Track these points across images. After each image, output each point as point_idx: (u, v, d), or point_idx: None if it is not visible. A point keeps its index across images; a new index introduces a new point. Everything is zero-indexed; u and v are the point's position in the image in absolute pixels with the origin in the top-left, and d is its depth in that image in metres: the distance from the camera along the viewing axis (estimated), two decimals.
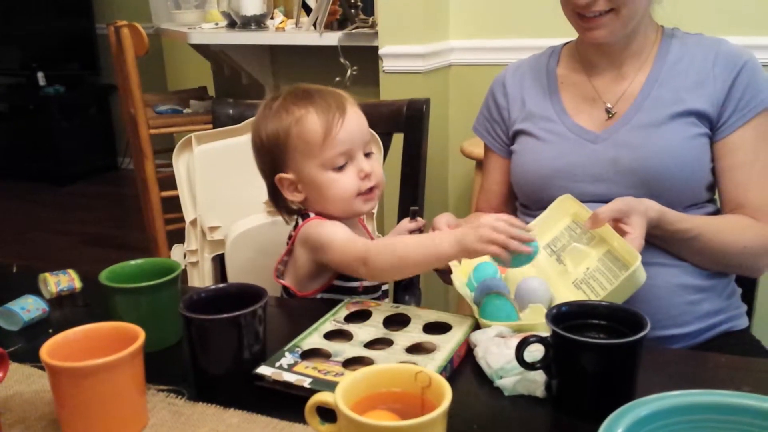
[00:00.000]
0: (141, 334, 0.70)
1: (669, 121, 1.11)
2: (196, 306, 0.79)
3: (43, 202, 4.49)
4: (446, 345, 0.82)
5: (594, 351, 0.67)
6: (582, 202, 1.06)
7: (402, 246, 0.94)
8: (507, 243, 0.85)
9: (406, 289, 1.25)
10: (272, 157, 1.05)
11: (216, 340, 0.77)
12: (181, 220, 2.70)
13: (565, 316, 0.72)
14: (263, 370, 0.78)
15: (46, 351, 0.68)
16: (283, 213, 1.11)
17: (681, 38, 1.18)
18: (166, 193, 2.66)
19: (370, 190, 1.04)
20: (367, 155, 1.05)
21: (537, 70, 1.27)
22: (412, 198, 1.41)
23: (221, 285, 0.85)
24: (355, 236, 1.01)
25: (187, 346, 0.79)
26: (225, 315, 0.75)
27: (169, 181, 2.86)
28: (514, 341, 0.73)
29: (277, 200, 1.09)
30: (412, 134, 1.39)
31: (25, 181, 4.83)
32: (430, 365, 0.78)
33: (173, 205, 2.84)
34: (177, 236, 2.81)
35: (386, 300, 1.17)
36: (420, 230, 1.17)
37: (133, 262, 0.93)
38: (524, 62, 1.31)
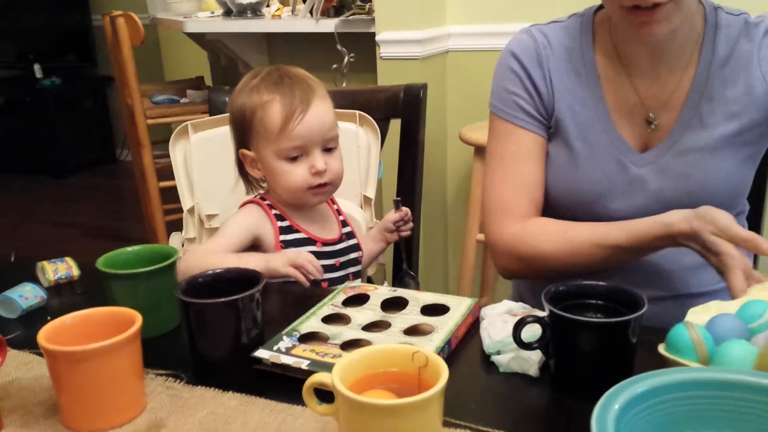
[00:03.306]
0: (138, 319, 0.70)
1: (722, 146, 0.99)
2: (194, 291, 0.79)
3: (40, 195, 4.48)
4: (444, 326, 0.83)
5: (591, 330, 0.67)
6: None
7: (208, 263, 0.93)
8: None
9: (405, 273, 1.25)
10: (238, 131, 1.09)
11: (214, 324, 0.77)
12: (180, 210, 2.69)
13: (562, 295, 0.72)
14: (261, 353, 0.78)
15: (43, 336, 0.68)
16: (247, 185, 1.15)
17: (726, 26, 1.00)
18: (164, 184, 2.65)
19: (322, 185, 1.06)
20: (329, 150, 1.07)
21: (569, 51, 1.05)
22: (409, 183, 1.40)
23: (218, 270, 0.85)
24: (228, 239, 1.05)
25: (185, 330, 0.79)
26: (222, 299, 0.75)
27: (167, 172, 2.86)
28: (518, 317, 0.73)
29: (242, 171, 1.13)
30: (410, 120, 1.39)
31: (22, 174, 4.82)
32: (428, 347, 0.78)
33: (172, 195, 2.84)
34: (176, 226, 2.80)
35: (384, 284, 1.17)
36: (404, 220, 1.18)
37: (130, 248, 0.93)
38: (550, 34, 1.06)
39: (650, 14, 0.89)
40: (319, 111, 1.05)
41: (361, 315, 0.88)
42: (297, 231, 1.08)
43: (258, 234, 1.07)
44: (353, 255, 1.14)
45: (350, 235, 1.16)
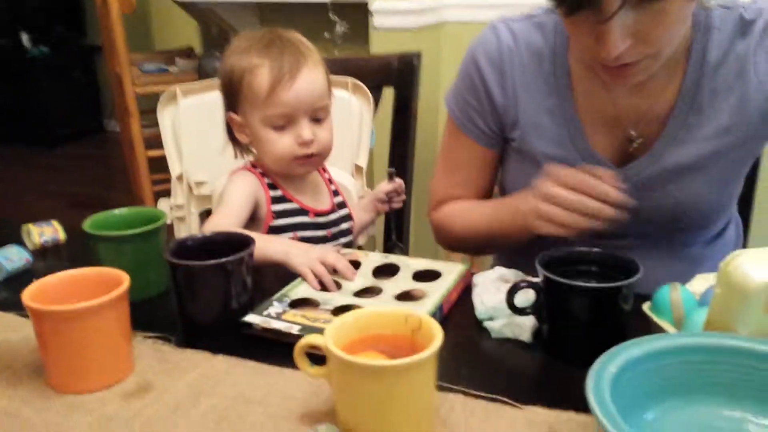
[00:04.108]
0: (126, 279, 0.69)
1: (710, 163, 0.89)
2: (183, 253, 0.77)
3: (29, 165, 4.44)
4: (436, 292, 0.82)
5: (585, 296, 0.66)
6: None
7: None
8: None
9: (394, 245, 1.24)
10: (227, 93, 1.06)
11: (203, 287, 0.75)
12: (168, 180, 2.66)
13: (556, 261, 0.71)
14: (251, 318, 0.77)
15: (28, 295, 0.66)
16: (236, 149, 1.12)
17: (719, 28, 0.87)
18: (152, 153, 2.62)
19: (308, 156, 1.03)
20: (318, 120, 1.04)
21: (539, 54, 0.95)
22: (402, 153, 1.39)
23: (208, 233, 0.83)
24: (236, 211, 1.01)
25: (173, 293, 0.78)
26: (211, 261, 0.74)
27: (155, 141, 2.82)
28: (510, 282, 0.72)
29: (230, 134, 1.10)
30: (403, 89, 1.37)
31: (11, 143, 4.76)
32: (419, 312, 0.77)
33: (160, 165, 2.81)
34: (164, 196, 2.78)
35: (376, 251, 1.16)
36: (397, 192, 1.16)
37: (117, 211, 0.91)
38: (519, 35, 0.96)
39: (623, 70, 0.79)
40: (309, 78, 1.01)
41: (352, 284, 0.87)
42: (289, 201, 1.06)
43: (256, 200, 1.05)
44: (344, 225, 1.13)
45: (342, 204, 1.14)
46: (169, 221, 1.32)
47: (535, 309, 0.70)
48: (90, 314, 0.65)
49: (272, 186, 1.07)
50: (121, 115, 2.78)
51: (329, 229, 1.09)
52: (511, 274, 0.81)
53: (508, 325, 0.72)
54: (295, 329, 0.74)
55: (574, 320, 0.68)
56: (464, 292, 0.85)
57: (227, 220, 0.99)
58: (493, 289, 0.76)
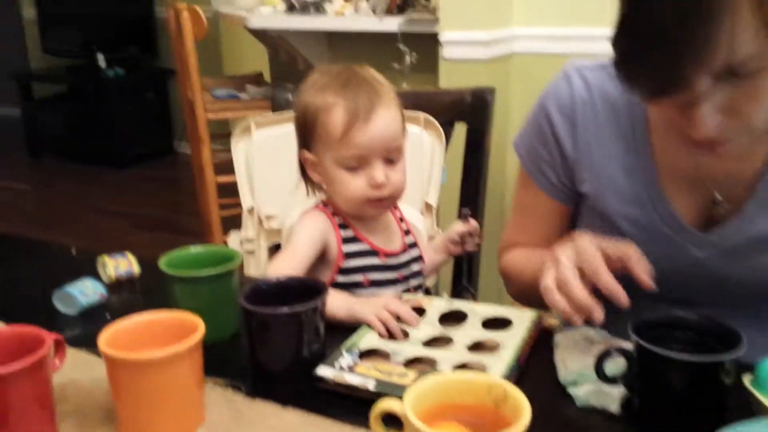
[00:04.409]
0: (200, 326, 0.68)
1: None
2: (257, 298, 0.77)
3: (100, 185, 4.57)
4: (510, 342, 0.79)
5: (683, 368, 0.62)
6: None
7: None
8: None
9: (464, 289, 1.21)
10: (301, 131, 1.05)
11: (276, 335, 0.74)
12: (237, 206, 2.70)
13: (649, 325, 0.67)
14: (324, 371, 0.75)
15: (104, 340, 0.66)
16: (308, 187, 1.10)
17: None
18: (221, 179, 2.66)
19: (381, 199, 1.01)
20: (391, 161, 1.01)
21: (615, 107, 0.90)
22: (473, 191, 1.36)
23: (282, 278, 0.82)
24: (302, 252, 0.99)
25: (245, 338, 0.77)
26: (286, 309, 0.73)
27: (224, 166, 2.87)
28: (599, 348, 0.68)
29: (303, 172, 1.08)
30: (476, 125, 1.34)
31: (83, 163, 4.92)
32: (497, 365, 0.74)
33: (229, 190, 2.85)
34: (232, 221, 2.81)
35: (444, 295, 1.12)
36: (471, 234, 1.13)
37: (192, 248, 0.91)
38: (593, 85, 0.91)
39: (713, 145, 0.73)
40: (384, 119, 0.99)
41: (419, 330, 0.85)
42: (360, 241, 1.04)
43: (326, 242, 1.03)
44: (415, 267, 1.10)
45: (413, 245, 1.11)
46: (240, 251, 1.34)
47: (626, 379, 0.65)
48: (165, 364, 0.64)
49: (343, 226, 1.05)
50: (193, 140, 2.83)
51: (400, 270, 1.07)
52: (597, 335, 0.77)
53: (595, 393, 0.68)
54: (370, 385, 0.72)
55: (669, 393, 0.63)
56: (539, 345, 0.81)
57: (292, 261, 0.98)
58: (577, 352, 0.72)
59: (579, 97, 0.92)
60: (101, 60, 4.95)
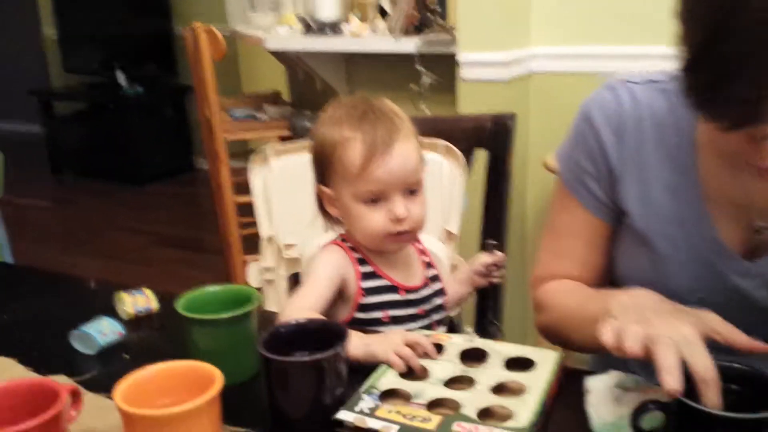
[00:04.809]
0: (218, 378, 0.66)
1: None
2: (275, 343, 0.75)
3: (120, 202, 4.61)
4: (535, 385, 0.76)
5: (729, 427, 0.59)
6: None
7: None
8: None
9: (489, 323, 1.18)
10: (318, 165, 1.03)
11: (297, 383, 0.73)
12: (255, 224, 2.68)
13: (687, 376, 0.64)
14: (344, 415, 0.73)
15: (120, 394, 0.64)
16: (326, 221, 1.08)
17: None
18: (240, 198, 2.66)
19: (401, 233, 0.99)
20: (411, 193, 1.00)
21: (663, 125, 0.87)
22: (495, 219, 1.33)
23: (301, 320, 0.81)
24: (320, 290, 0.97)
25: (264, 384, 0.75)
26: (306, 357, 0.71)
27: (243, 185, 2.87)
28: (633, 396, 0.65)
29: (321, 206, 1.07)
30: (497, 151, 1.32)
31: (103, 180, 4.96)
32: (524, 411, 0.72)
33: (248, 209, 2.85)
34: (251, 241, 2.82)
35: (468, 329, 1.10)
36: (497, 266, 1.11)
37: (210, 288, 0.90)
38: (641, 99, 0.89)
39: None
40: (402, 153, 0.97)
41: (439, 368, 0.83)
42: (380, 277, 1.02)
43: (344, 278, 1.01)
44: (438, 301, 1.07)
45: (435, 278, 1.09)
46: (258, 285, 1.33)
47: None
48: (183, 419, 0.62)
49: (362, 261, 1.03)
50: (211, 159, 2.84)
51: (421, 305, 1.05)
52: (630, 382, 0.74)
53: None
54: (393, 430, 0.70)
55: None
56: (566, 388, 0.79)
57: (310, 300, 0.96)
58: (610, 400, 0.70)
59: (626, 110, 0.89)
60: (121, 78, 5.00)
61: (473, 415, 0.72)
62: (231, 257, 2.80)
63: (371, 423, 0.71)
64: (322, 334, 0.78)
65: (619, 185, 0.91)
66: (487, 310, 1.29)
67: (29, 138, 5.97)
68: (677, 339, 0.65)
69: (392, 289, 1.03)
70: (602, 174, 0.92)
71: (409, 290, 1.04)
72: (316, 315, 0.92)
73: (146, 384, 0.68)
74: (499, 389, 0.78)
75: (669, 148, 0.87)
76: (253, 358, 0.85)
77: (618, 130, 0.90)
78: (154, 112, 5.02)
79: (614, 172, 0.91)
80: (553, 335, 1.00)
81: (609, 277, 0.98)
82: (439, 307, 1.08)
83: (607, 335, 0.69)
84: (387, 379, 0.81)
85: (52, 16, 5.38)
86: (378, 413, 0.73)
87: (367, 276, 1.02)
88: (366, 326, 0.99)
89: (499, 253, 1.11)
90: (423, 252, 1.11)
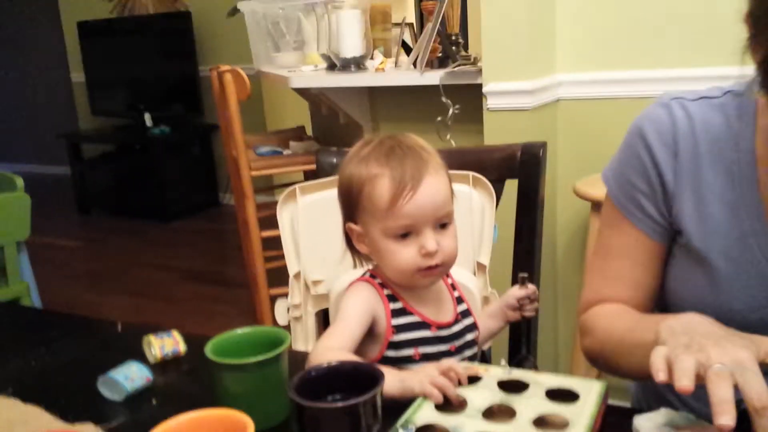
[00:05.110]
0: (250, 427, 0.63)
1: None
2: (307, 387, 0.72)
3: (148, 239, 4.65)
4: (579, 419, 0.73)
5: None
6: None
7: None
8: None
9: (524, 358, 1.14)
10: (345, 203, 1.01)
11: (331, 430, 0.69)
12: (281, 258, 2.69)
13: (744, 413, 0.60)
14: None
15: None
16: (355, 258, 1.07)
17: None
18: (266, 234, 2.65)
19: (432, 267, 0.96)
20: (443, 226, 0.97)
21: (719, 141, 0.86)
22: (526, 250, 1.30)
23: (333, 363, 0.78)
24: (351, 329, 0.94)
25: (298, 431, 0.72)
26: (341, 403, 0.68)
27: (267, 221, 2.88)
28: None
29: (349, 243, 1.04)
30: (528, 181, 1.29)
31: (132, 217, 5.03)
32: None
33: (273, 243, 2.86)
34: (276, 274, 2.81)
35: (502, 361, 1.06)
36: (530, 299, 1.07)
37: (240, 331, 0.88)
38: (695, 116, 0.87)
39: None
40: (432, 187, 0.95)
41: (477, 396, 0.79)
42: (410, 313, 0.99)
43: (374, 315, 0.99)
44: (469, 336, 1.04)
45: (466, 313, 1.06)
46: (285, 322, 1.30)
47: None
48: None
49: (392, 297, 1.00)
50: (237, 197, 2.85)
51: (453, 342, 1.01)
52: (682, 419, 0.70)
53: None
54: None
55: None
56: (613, 427, 0.75)
57: (341, 339, 0.93)
58: None
59: (680, 127, 0.88)
60: (148, 119, 5.09)
61: None
62: (257, 292, 2.79)
63: None
64: (355, 375, 0.75)
65: (674, 203, 0.89)
66: (521, 344, 1.25)
67: (58, 179, 6.08)
68: (731, 365, 0.62)
69: (423, 325, 1.00)
70: (656, 192, 0.90)
71: (440, 326, 1.01)
72: (348, 355, 0.89)
73: None
74: (541, 422, 0.74)
75: (727, 164, 0.85)
76: (284, 401, 0.82)
77: (672, 147, 0.88)
78: (180, 150, 5.09)
79: (669, 190, 0.88)
80: (599, 360, 0.96)
81: (659, 301, 0.95)
82: (471, 343, 1.04)
83: (657, 367, 0.66)
84: (423, 412, 0.78)
85: (79, 61, 5.51)
86: None
87: (397, 313, 0.99)
88: (396, 364, 0.96)
89: (531, 286, 1.08)
90: (453, 286, 1.08)
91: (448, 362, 0.84)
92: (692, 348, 0.66)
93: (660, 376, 0.65)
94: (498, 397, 0.79)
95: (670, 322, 0.74)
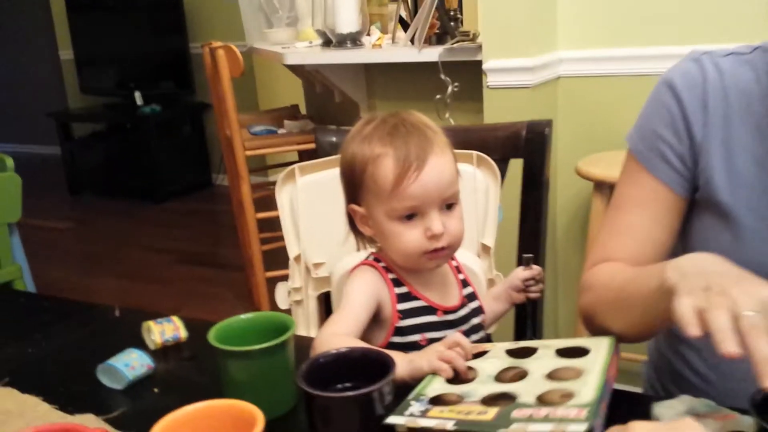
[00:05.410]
0: (260, 419, 0.61)
1: None
2: (315, 375, 0.70)
3: (139, 219, 4.60)
4: (593, 367, 0.71)
5: None
6: None
7: None
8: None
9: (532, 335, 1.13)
10: (348, 183, 0.98)
11: (342, 419, 0.67)
12: (277, 239, 2.65)
13: None
14: (394, 419, 0.68)
15: None
16: (358, 240, 1.03)
17: None
18: (261, 215, 2.62)
19: (439, 249, 0.93)
20: (449, 207, 0.94)
21: (749, 95, 0.86)
22: (532, 231, 1.27)
23: (342, 350, 0.75)
24: (356, 314, 0.92)
25: (306, 420, 0.70)
26: (352, 393, 0.66)
27: (262, 202, 2.85)
28: (707, 423, 0.60)
29: (352, 225, 1.01)
30: (533, 160, 1.27)
31: (122, 198, 4.97)
32: (585, 389, 0.66)
33: (268, 225, 2.83)
34: (272, 256, 2.79)
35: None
36: (536, 280, 1.05)
37: (243, 316, 0.85)
38: (726, 71, 0.88)
39: None
40: (437, 167, 0.92)
41: (487, 364, 0.78)
42: (416, 298, 0.97)
43: (380, 300, 0.96)
44: (475, 320, 1.02)
45: (472, 296, 1.03)
46: (286, 306, 1.28)
47: None
48: None
49: (397, 282, 0.98)
50: (231, 177, 2.81)
51: (459, 327, 0.99)
52: (702, 406, 0.68)
53: None
54: (449, 425, 0.65)
55: None
56: (631, 416, 0.72)
57: (346, 325, 0.90)
58: None
59: (710, 81, 0.87)
60: (138, 97, 5.01)
61: (532, 402, 0.67)
62: (254, 275, 2.76)
63: (424, 422, 0.67)
64: (364, 362, 0.73)
65: (700, 156, 0.88)
66: (526, 327, 1.23)
67: (48, 159, 6.01)
68: (761, 309, 0.59)
69: (429, 310, 0.97)
70: (682, 142, 0.89)
71: (446, 311, 0.98)
72: (356, 341, 0.87)
73: (182, 426, 0.63)
74: (554, 376, 0.73)
75: (756, 118, 0.84)
76: (290, 390, 0.80)
77: (702, 99, 0.87)
78: (171, 129, 5.03)
79: (696, 142, 0.88)
80: (595, 318, 0.92)
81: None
82: (478, 327, 1.02)
83: (688, 320, 0.61)
84: (434, 386, 0.76)
85: (68, 38, 5.41)
86: (430, 414, 0.69)
87: (402, 297, 0.96)
88: (403, 351, 0.94)
89: (536, 267, 1.06)
90: (458, 269, 1.06)
91: (454, 337, 0.83)
92: (712, 291, 0.62)
93: (693, 330, 0.61)
94: (508, 362, 0.78)
95: (678, 263, 0.71)
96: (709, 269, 0.68)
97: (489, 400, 0.70)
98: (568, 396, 0.66)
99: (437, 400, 0.73)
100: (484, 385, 0.74)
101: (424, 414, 0.68)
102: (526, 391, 0.70)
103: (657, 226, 0.92)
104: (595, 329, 0.92)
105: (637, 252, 0.92)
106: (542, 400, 0.67)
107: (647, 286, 0.74)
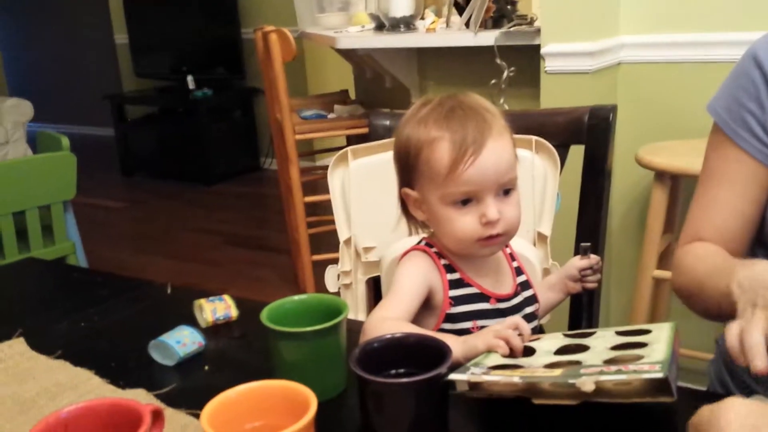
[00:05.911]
0: (313, 401, 0.59)
1: None
2: (369, 359, 0.68)
3: (189, 202, 4.67)
4: (657, 339, 0.70)
5: None
6: None
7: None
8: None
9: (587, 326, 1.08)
10: (402, 167, 0.95)
11: (396, 406, 0.65)
12: (324, 223, 2.64)
13: None
14: (457, 376, 0.67)
15: (207, 418, 0.58)
16: (410, 225, 1.01)
17: None
18: (309, 198, 2.62)
19: (493, 236, 0.90)
20: (506, 193, 0.91)
21: None
22: (592, 220, 1.23)
23: (397, 335, 0.73)
24: (407, 300, 0.89)
25: (359, 405, 0.68)
26: (408, 379, 0.63)
27: (309, 186, 2.85)
28: None
29: (404, 209, 0.99)
30: (596, 147, 1.21)
31: (173, 181, 5.06)
32: (654, 354, 0.66)
33: (315, 209, 2.82)
34: (318, 239, 2.79)
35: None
36: (593, 269, 1.01)
37: (296, 297, 0.83)
38: None
39: None
40: (495, 151, 0.88)
41: (546, 343, 0.77)
42: (468, 285, 0.94)
43: (431, 286, 0.93)
44: (529, 309, 0.98)
45: (525, 285, 1.00)
46: (335, 290, 1.26)
47: None
48: None
49: (449, 268, 0.95)
50: (281, 160, 2.81)
51: (511, 315, 0.96)
52: None
53: None
54: (515, 378, 0.64)
55: None
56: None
57: (397, 310, 0.88)
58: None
59: None
60: (190, 81, 5.08)
61: (599, 365, 0.66)
62: (299, 258, 2.76)
63: (489, 378, 0.66)
64: (419, 349, 0.70)
65: None
66: (581, 317, 1.19)
67: (102, 141, 6.15)
68: None
69: (482, 297, 0.94)
70: (767, 114, 0.90)
71: (499, 299, 0.95)
72: (409, 326, 0.84)
73: (235, 405, 0.62)
74: (620, 347, 0.71)
75: None
76: (341, 373, 0.78)
77: None
78: (222, 114, 5.08)
79: None
80: (688, 299, 0.95)
81: (760, 235, 0.95)
82: (531, 316, 0.99)
83: (733, 351, 0.66)
84: (493, 358, 0.75)
85: (123, 24, 5.51)
86: (494, 373, 0.68)
87: (455, 284, 0.94)
88: None
89: (594, 256, 1.02)
90: (512, 257, 1.02)
91: (513, 318, 0.81)
92: (758, 306, 0.66)
93: (739, 362, 0.65)
94: (567, 341, 0.76)
95: (741, 276, 0.75)
96: (763, 282, 0.71)
97: (552, 365, 0.69)
98: (637, 358, 0.66)
99: (496, 368, 0.71)
100: (547, 356, 0.73)
101: (486, 373, 0.68)
102: (590, 359, 0.69)
103: (742, 200, 0.93)
104: (693, 307, 0.95)
105: (725, 227, 0.94)
106: (610, 363, 0.66)
107: (719, 289, 0.78)
